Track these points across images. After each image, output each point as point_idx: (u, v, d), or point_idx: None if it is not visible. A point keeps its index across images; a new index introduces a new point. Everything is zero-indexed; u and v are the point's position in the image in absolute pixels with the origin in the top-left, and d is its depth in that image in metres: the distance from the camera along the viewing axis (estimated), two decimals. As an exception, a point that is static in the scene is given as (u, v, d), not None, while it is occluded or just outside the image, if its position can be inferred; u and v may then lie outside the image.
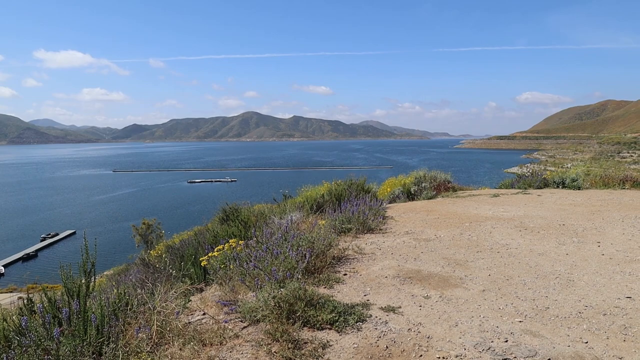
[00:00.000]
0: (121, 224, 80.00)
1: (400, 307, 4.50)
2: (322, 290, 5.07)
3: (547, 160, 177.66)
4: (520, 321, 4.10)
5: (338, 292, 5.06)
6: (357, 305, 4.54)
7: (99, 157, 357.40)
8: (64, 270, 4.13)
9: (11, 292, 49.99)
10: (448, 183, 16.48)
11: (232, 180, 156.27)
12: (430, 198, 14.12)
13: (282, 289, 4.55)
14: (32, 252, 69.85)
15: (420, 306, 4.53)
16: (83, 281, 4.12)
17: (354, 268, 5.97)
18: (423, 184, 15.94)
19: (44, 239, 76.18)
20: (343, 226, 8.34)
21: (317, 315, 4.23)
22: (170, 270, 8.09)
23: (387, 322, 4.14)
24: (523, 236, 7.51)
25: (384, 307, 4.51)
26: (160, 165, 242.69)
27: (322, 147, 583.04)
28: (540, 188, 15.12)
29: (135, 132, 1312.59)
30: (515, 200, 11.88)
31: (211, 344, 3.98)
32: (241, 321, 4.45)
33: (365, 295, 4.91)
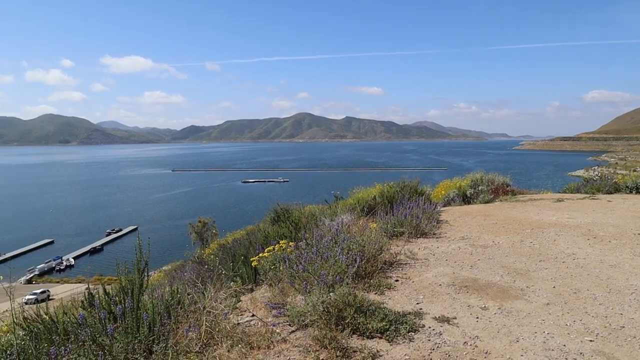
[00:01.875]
0: (179, 222, 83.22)
1: (455, 318, 4.26)
2: (372, 297, 4.91)
3: (617, 163, 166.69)
4: (590, 340, 3.74)
5: (389, 298, 4.87)
6: (409, 313, 4.34)
7: (159, 157, 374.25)
8: (120, 267, 4.23)
9: (80, 282, 53.40)
10: (507, 186, 15.72)
11: (284, 181, 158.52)
12: (488, 202, 13.52)
13: (331, 294, 4.43)
14: (99, 246, 74.27)
15: (477, 318, 4.26)
16: (137, 279, 4.19)
17: (406, 274, 5.75)
18: (480, 187, 15.31)
19: (109, 234, 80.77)
20: (395, 230, 8.11)
21: (367, 323, 4.08)
22: (222, 270, 8.21)
23: (441, 334, 3.92)
24: (592, 245, 6.96)
25: (437, 317, 4.28)
26: (216, 165, 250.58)
27: (374, 148, 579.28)
28: (611, 193, 14.08)
29: (192, 133, 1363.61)
30: (581, 206, 11.10)
31: (259, 347, 3.93)
32: (289, 325, 4.38)
33: (417, 304, 4.69)
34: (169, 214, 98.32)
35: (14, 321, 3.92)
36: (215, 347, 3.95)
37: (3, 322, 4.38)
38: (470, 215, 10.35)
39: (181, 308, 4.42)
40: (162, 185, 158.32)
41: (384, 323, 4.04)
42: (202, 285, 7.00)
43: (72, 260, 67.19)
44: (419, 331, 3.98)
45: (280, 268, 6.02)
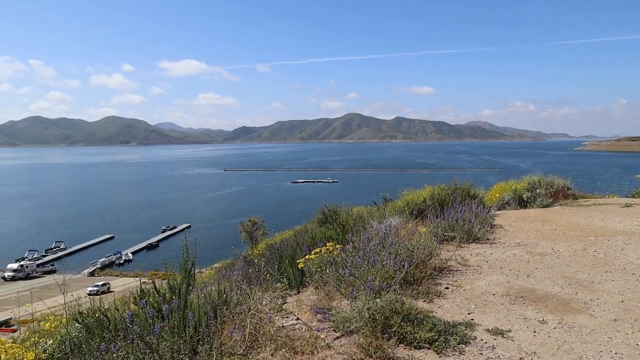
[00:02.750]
0: (230, 220, 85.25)
1: (510, 331, 4.00)
2: (420, 304, 4.72)
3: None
4: (665, 363, 3.39)
5: (438, 307, 4.67)
6: (460, 324, 4.12)
7: (212, 157, 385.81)
8: (168, 267, 4.31)
9: (136, 277, 55.89)
10: (567, 190, 14.85)
11: (333, 181, 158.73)
12: (546, 206, 12.81)
13: (377, 300, 4.29)
14: (155, 242, 77.55)
15: (535, 332, 3.98)
16: (184, 279, 4.25)
17: (456, 281, 5.50)
18: (537, 190, 14.55)
19: (164, 231, 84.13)
20: (446, 234, 7.82)
21: (415, 333, 3.91)
22: (269, 270, 8.25)
23: (494, 348, 3.69)
24: (665, 256, 6.38)
25: (490, 329, 4.04)
26: (266, 166, 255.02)
27: (425, 148, 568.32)
28: (685, 198, 12.96)
29: (244, 133, 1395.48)
30: (652, 212, 10.27)
31: (302, 353, 3.85)
32: (334, 330, 4.28)
33: (469, 314, 4.46)
34: (221, 213, 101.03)
35: (65, 316, 4.06)
36: (259, 349, 3.93)
37: (60, 315, 4.57)
38: (526, 220, 9.83)
39: (227, 309, 4.44)
40: (214, 184, 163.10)
41: (432, 333, 3.86)
42: (248, 286, 7.05)
43: (131, 255, 70.54)
44: (470, 343, 3.77)
45: (327, 271, 5.95)
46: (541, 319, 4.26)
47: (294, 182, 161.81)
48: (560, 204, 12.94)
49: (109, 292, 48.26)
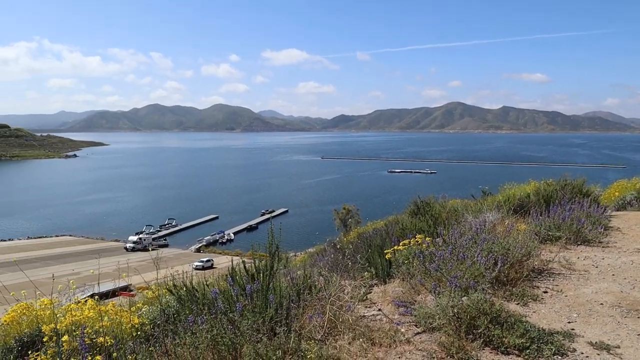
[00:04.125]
0: (325, 207, 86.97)
1: (618, 347, 3.53)
2: (512, 307, 4.36)
3: None
4: None
5: (533, 312, 4.28)
6: (557, 333, 3.74)
7: (310, 145, 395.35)
8: (254, 249, 4.46)
9: (237, 255, 59.49)
10: None
11: (431, 172, 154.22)
12: (677, 209, 11.19)
13: (464, 298, 4.05)
14: (254, 224, 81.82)
15: (650, 351, 3.47)
16: (268, 262, 4.36)
17: (557, 286, 5.00)
18: (666, 191, 12.75)
19: (263, 214, 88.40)
20: (549, 233, 7.16)
21: (503, 337, 3.62)
22: (357, 259, 8.24)
23: (597, 364, 3.28)
24: None
25: (594, 342, 3.60)
26: (363, 154, 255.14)
27: (534, 140, 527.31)
28: None
29: (342, 122, 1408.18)
30: None
31: (380, 345, 3.77)
32: (415, 325, 4.13)
33: (569, 323, 4.02)
34: (317, 199, 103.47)
35: (164, 287, 4.39)
36: (337, 337, 3.91)
37: (156, 287, 4.96)
38: (650, 224, 8.65)
39: (308, 294, 4.49)
40: (311, 171, 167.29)
41: (523, 339, 3.54)
42: (334, 273, 7.09)
43: (232, 235, 75.23)
44: (567, 355, 3.40)
45: (414, 263, 5.77)
46: (659, 337, 3.71)
47: (390, 172, 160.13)
48: (696, 208, 11.22)
49: (213, 268, 52.00)
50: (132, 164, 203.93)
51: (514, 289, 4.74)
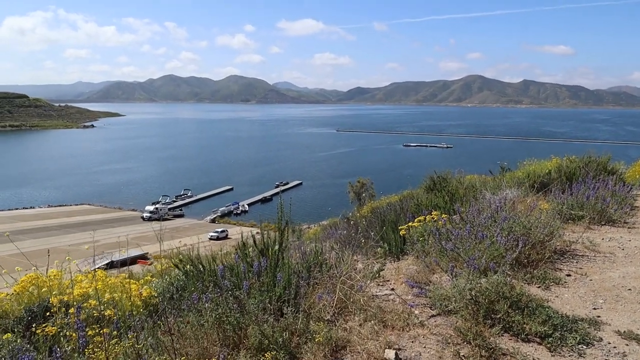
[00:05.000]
0: (339, 180, 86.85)
1: (648, 337, 3.30)
2: (534, 290, 4.14)
3: None
4: None
5: (556, 296, 4.05)
6: (582, 320, 3.52)
7: (325, 118, 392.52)
8: (262, 224, 4.29)
9: (251, 227, 60.10)
10: None
11: (447, 147, 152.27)
12: None
13: (482, 280, 3.84)
14: (268, 196, 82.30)
15: (683, 342, 3.23)
16: (277, 238, 4.19)
17: (581, 269, 4.75)
18: (695, 169, 12.21)
19: (277, 186, 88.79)
20: (572, 213, 6.85)
21: (524, 323, 3.42)
22: (372, 235, 8.05)
23: (625, 355, 3.07)
24: None
25: (622, 331, 3.38)
26: (379, 127, 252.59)
27: (555, 115, 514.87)
28: None
29: (357, 94, 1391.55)
30: None
31: (392, 327, 3.60)
32: (430, 308, 3.94)
33: (595, 309, 3.79)
34: (331, 172, 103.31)
35: (160, 260, 4.26)
36: (347, 317, 3.76)
37: (161, 261, 4.86)
38: (678, 204, 8.26)
39: (319, 272, 4.32)
40: (326, 144, 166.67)
41: (546, 327, 3.33)
42: (346, 248, 6.91)
43: (247, 206, 75.83)
44: (593, 345, 3.19)
45: (429, 241, 5.57)
46: (693, 327, 3.46)
47: (406, 146, 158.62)
48: None
49: (227, 238, 52.65)
50: (148, 135, 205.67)
51: (535, 271, 4.51)
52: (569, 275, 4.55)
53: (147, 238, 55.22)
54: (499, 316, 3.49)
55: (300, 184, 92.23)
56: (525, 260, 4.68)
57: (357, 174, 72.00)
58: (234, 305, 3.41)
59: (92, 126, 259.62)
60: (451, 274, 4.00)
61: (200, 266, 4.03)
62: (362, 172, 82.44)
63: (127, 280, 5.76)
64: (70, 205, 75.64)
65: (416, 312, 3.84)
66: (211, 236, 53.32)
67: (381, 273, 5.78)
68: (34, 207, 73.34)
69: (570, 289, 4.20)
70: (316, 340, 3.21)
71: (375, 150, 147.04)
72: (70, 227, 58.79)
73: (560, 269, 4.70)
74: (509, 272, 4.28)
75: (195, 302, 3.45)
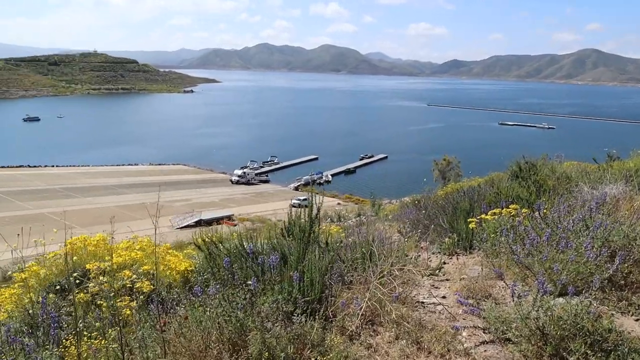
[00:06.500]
0: (425, 157, 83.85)
1: None
2: (629, 324, 3.18)
3: None
4: None
5: (661, 336, 3.06)
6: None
7: (416, 91, 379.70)
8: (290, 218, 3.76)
9: (333, 197, 60.40)
10: None
11: (549, 128, 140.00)
12: None
13: (558, 301, 2.99)
14: (352, 168, 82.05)
15: None
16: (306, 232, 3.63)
17: (702, 299, 3.63)
18: None
19: (362, 159, 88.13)
20: (695, 220, 5.47)
21: (608, 373, 2.55)
22: (441, 222, 7.27)
23: None
24: None
25: None
26: (473, 104, 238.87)
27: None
28: None
29: (453, 67, 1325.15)
30: None
31: (429, 352, 2.90)
32: (483, 331, 3.17)
33: None
34: (418, 148, 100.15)
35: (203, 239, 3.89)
36: (377, 329, 3.13)
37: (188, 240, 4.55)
38: None
39: (355, 269, 3.72)
40: (415, 118, 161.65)
41: (640, 385, 2.45)
42: (409, 235, 6.25)
43: (330, 176, 76.32)
44: None
45: (501, 240, 4.70)
46: None
47: (502, 124, 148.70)
48: None
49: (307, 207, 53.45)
50: (241, 102, 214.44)
51: (634, 297, 3.49)
52: (682, 306, 3.47)
53: (235, 200, 58.02)
54: (572, 358, 2.65)
55: (386, 157, 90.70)
56: (623, 281, 3.66)
57: (445, 152, 68.89)
58: (241, 304, 2.93)
59: (192, 91, 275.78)
60: (513, 292, 3.16)
61: (216, 248, 3.60)
62: (450, 150, 78.79)
63: (169, 251, 5.62)
64: (168, 164, 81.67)
65: (464, 334, 3.11)
66: (294, 203, 54.52)
67: (442, 269, 5.05)
68: (137, 164, 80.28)
69: (683, 328, 3.17)
70: (326, 358, 2.64)
71: (467, 128, 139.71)
72: (166, 185, 63.51)
73: (671, 297, 3.62)
74: (597, 294, 3.34)
75: (198, 294, 3.03)
